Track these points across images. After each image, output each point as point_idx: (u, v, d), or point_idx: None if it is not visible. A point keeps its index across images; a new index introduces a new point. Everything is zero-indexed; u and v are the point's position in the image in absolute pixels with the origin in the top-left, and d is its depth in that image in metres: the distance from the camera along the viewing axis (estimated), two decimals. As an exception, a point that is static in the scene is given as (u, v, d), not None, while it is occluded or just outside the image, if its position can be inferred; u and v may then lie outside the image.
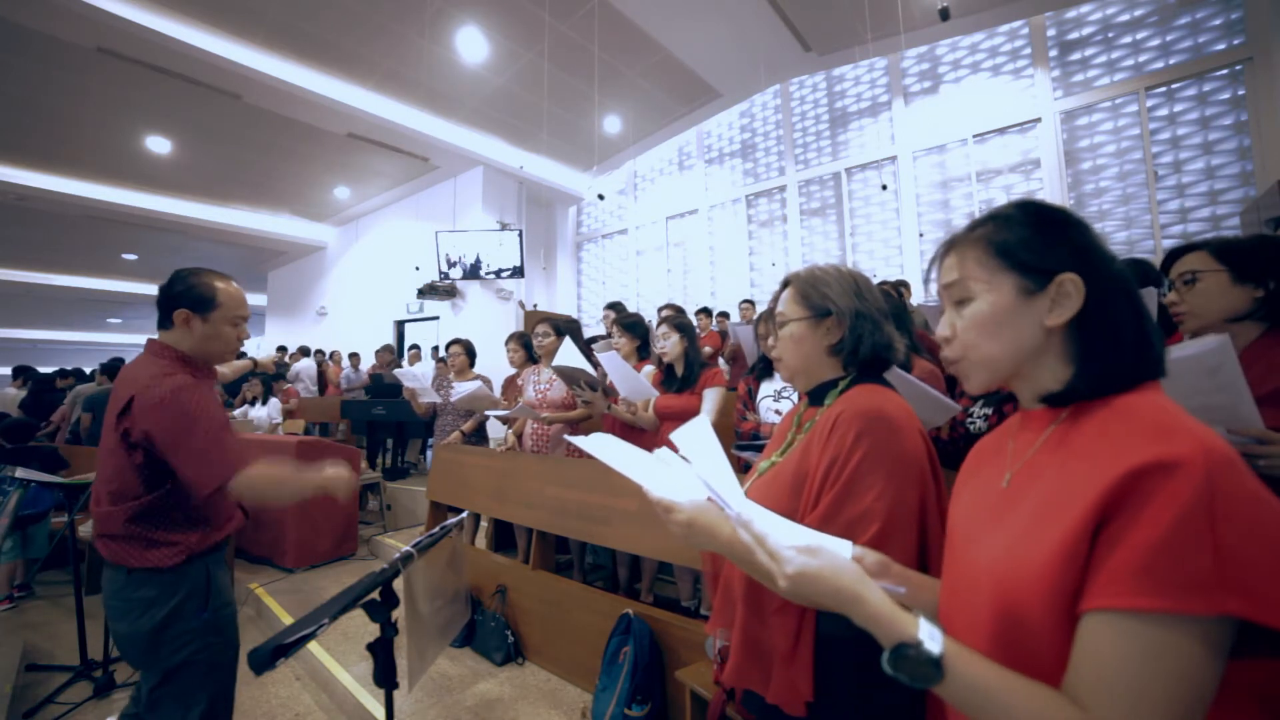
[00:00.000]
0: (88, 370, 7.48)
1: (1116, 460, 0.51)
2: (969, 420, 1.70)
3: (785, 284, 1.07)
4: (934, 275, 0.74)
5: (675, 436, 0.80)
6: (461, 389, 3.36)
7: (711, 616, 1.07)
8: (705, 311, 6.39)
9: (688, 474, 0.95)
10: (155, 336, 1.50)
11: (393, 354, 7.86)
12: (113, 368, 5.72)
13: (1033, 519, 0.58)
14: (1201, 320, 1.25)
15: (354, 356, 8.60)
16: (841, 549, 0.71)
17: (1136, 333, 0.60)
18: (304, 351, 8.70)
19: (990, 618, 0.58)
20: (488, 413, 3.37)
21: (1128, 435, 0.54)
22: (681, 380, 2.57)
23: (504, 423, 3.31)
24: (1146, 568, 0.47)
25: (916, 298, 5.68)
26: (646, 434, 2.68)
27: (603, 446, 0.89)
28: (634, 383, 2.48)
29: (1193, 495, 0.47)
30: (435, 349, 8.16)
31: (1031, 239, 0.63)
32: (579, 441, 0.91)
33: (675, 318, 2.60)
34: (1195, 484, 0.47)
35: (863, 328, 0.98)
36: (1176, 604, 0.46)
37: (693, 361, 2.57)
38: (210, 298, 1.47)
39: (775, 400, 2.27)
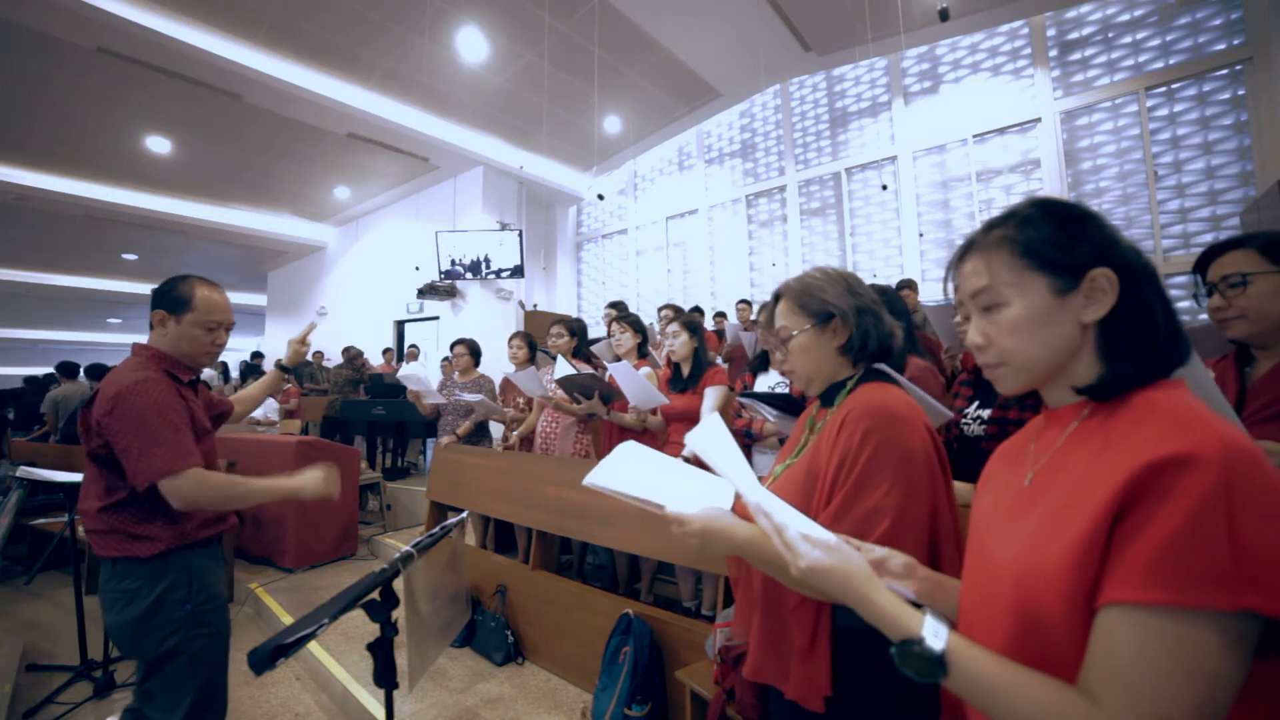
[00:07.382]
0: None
1: (1135, 454, 0.51)
2: (964, 423, 1.70)
3: (777, 297, 1.07)
4: (952, 281, 0.72)
5: (690, 438, 0.80)
6: (468, 398, 3.39)
7: (735, 616, 1.09)
8: (721, 315, 6.43)
9: (690, 478, 0.96)
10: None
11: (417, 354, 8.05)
12: (98, 371, 5.74)
13: (1052, 513, 0.58)
14: (1259, 325, 1.17)
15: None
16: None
17: (1168, 323, 0.61)
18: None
19: (1009, 614, 0.58)
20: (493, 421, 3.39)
21: (1148, 430, 0.54)
22: (686, 380, 2.58)
23: (505, 423, 3.32)
24: (1161, 561, 0.47)
25: (920, 297, 5.67)
26: (646, 436, 2.68)
27: (611, 477, 0.90)
28: (644, 391, 2.49)
29: (1210, 488, 0.46)
30: (446, 359, 8.09)
31: (1057, 236, 0.63)
32: (590, 483, 0.91)
33: (687, 317, 2.61)
34: (1213, 477, 0.47)
35: (866, 322, 1.00)
36: (1191, 598, 0.46)
37: (700, 361, 2.57)
38: (185, 300, 1.50)
39: (772, 396, 2.27)
